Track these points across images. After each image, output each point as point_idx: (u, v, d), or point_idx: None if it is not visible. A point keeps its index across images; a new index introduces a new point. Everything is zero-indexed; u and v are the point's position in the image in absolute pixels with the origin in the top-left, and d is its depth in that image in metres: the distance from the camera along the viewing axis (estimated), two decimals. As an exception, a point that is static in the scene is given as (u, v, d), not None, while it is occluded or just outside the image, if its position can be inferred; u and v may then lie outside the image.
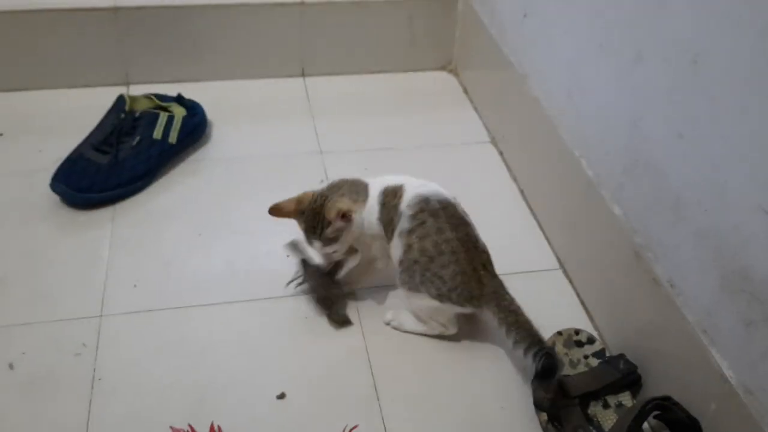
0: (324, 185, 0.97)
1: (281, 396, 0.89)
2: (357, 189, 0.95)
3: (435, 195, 0.92)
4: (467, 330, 0.98)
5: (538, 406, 0.88)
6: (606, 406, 0.87)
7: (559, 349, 0.93)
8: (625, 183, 0.93)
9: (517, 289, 0.90)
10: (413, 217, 0.90)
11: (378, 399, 0.90)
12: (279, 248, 1.05)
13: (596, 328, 1.00)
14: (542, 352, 0.85)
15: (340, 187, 0.95)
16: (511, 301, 0.90)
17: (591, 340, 0.94)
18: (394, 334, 0.98)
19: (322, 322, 0.99)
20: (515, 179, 1.26)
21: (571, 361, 0.92)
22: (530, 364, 0.86)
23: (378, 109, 1.44)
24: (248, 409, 0.87)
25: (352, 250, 0.99)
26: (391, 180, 0.96)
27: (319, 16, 1.43)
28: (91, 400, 0.87)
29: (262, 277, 1.04)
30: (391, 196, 0.93)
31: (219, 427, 0.84)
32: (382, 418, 0.87)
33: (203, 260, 1.06)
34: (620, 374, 0.88)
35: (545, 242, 1.14)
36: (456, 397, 0.91)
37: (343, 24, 1.45)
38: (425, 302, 0.92)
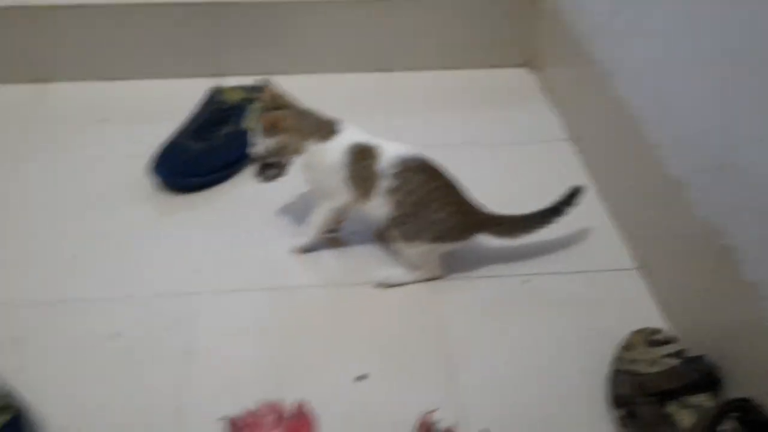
0: (310, 109, 1.04)
1: (362, 377, 0.93)
2: (324, 129, 1.01)
3: (414, 155, 1.00)
4: (544, 313, 1.00)
5: (615, 402, 0.89)
6: (684, 406, 0.87)
7: (638, 347, 0.93)
8: (712, 184, 0.92)
9: (591, 287, 0.92)
10: (397, 175, 0.98)
11: (456, 378, 0.93)
12: (358, 237, 1.09)
13: (674, 328, 1.00)
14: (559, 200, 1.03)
15: (308, 116, 1.02)
16: (500, 214, 1.03)
17: (670, 340, 0.94)
18: (471, 316, 1.01)
19: (401, 308, 1.02)
20: (592, 178, 1.26)
21: (649, 360, 0.92)
22: (555, 214, 1.03)
23: (455, 105, 1.46)
24: (330, 389, 0.91)
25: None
26: (364, 138, 1.02)
27: (402, 11, 1.46)
28: (183, 371, 0.93)
29: (341, 264, 1.08)
30: (365, 155, 0.99)
31: (304, 403, 0.89)
32: (460, 397, 0.90)
33: (289, 244, 1.11)
34: (700, 375, 0.87)
35: (621, 242, 1.14)
36: (533, 375, 0.94)
37: (426, 20, 1.48)
38: (422, 248, 1.00)
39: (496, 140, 1.36)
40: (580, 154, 1.32)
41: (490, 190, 1.20)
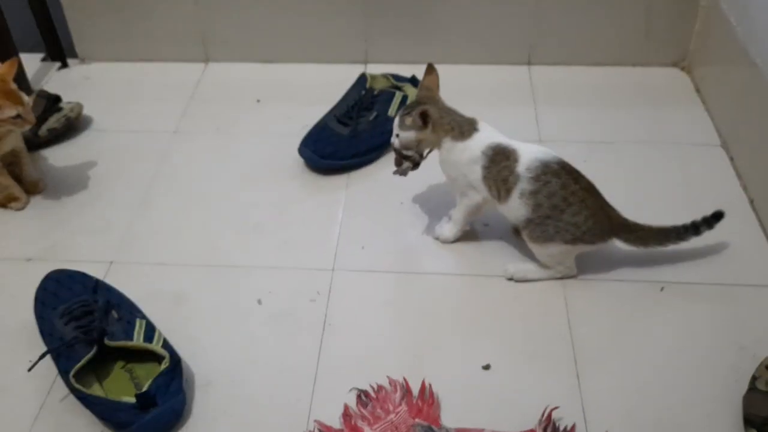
0: (453, 109, 1.06)
1: (486, 367, 0.95)
2: (463, 127, 1.03)
3: (552, 158, 1.00)
4: (679, 322, 0.98)
5: (749, 422, 0.86)
6: (827, 436, 0.83)
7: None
8: None
9: (734, 301, 0.88)
10: (536, 179, 0.98)
11: (580, 379, 0.93)
12: (493, 229, 1.11)
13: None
14: (698, 221, 1.01)
15: (450, 113, 1.04)
16: (635, 222, 1.02)
17: (817, 366, 0.89)
18: (601, 318, 1.01)
19: (531, 302, 1.03)
20: (745, 187, 1.20)
21: (791, 384, 0.88)
22: (692, 233, 1.01)
23: (603, 102, 1.43)
24: (455, 374, 0.94)
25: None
26: (502, 139, 1.03)
27: (553, 5, 1.45)
28: (321, 340, 0.99)
29: (474, 254, 1.11)
30: (503, 156, 1.01)
31: (430, 385, 0.93)
32: (582, 399, 0.90)
33: (424, 231, 1.15)
34: None
35: (772, 257, 1.09)
36: (661, 385, 0.92)
37: (576, 14, 1.46)
38: (558, 248, 1.01)
39: (642, 139, 1.32)
40: (733, 160, 1.26)
41: (633, 189, 1.19)
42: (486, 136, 1.03)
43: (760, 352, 0.92)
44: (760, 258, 1.09)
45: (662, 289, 1.04)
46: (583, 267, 1.06)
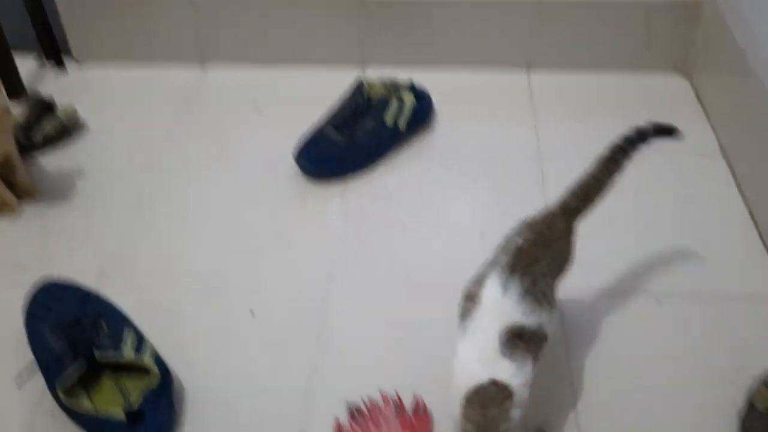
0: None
1: (481, 382, 0.94)
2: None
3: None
4: (678, 336, 0.97)
5: (746, 442, 0.85)
6: (824, 459, 0.82)
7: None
8: None
9: (738, 314, 0.87)
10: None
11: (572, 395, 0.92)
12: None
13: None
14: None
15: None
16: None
17: (817, 385, 0.88)
18: (592, 325, 1.00)
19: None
20: (744, 198, 1.19)
21: (788, 404, 0.87)
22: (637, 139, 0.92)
23: (603, 111, 1.40)
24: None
25: None
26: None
27: (554, 11, 1.43)
28: (315, 356, 0.98)
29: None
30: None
31: (424, 401, 0.92)
32: (577, 417, 0.90)
33: (429, 243, 1.14)
34: None
35: (773, 269, 1.08)
36: (658, 396, 0.91)
37: (577, 20, 1.44)
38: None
39: (643, 149, 1.30)
40: (733, 172, 1.24)
41: (630, 198, 1.17)
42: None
43: (757, 367, 0.90)
44: (759, 269, 1.08)
45: (659, 303, 1.03)
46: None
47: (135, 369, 0.91)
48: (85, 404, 0.89)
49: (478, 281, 0.84)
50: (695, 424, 0.89)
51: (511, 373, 0.77)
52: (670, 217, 1.14)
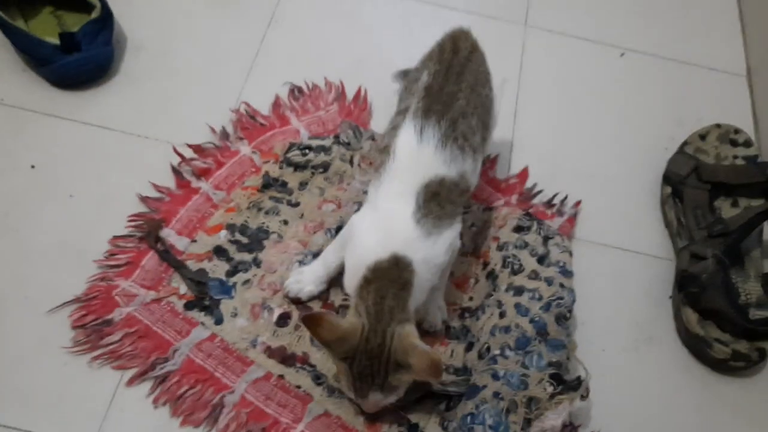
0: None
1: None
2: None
3: None
4: (626, 73, 0.97)
5: (667, 178, 0.87)
6: (734, 204, 0.85)
7: (711, 141, 0.89)
8: None
9: (691, 81, 0.85)
10: None
11: (515, 115, 0.92)
12: None
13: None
14: None
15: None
16: None
17: (748, 144, 0.89)
18: (550, 64, 0.98)
19: (487, 43, 0.99)
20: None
21: (718, 155, 0.88)
22: None
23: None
24: (393, 87, 0.90)
25: None
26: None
27: None
28: (265, 33, 0.95)
29: None
30: None
31: (366, 91, 0.91)
32: (513, 133, 0.90)
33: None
34: (764, 178, 0.84)
35: None
36: (596, 130, 0.92)
37: None
38: None
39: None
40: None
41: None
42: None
43: (697, 127, 0.91)
44: (726, 43, 1.06)
45: (622, 54, 1.01)
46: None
47: (77, 5, 0.87)
48: (21, 25, 0.86)
49: (390, 133, 0.70)
50: (628, 162, 0.92)
51: (420, 246, 0.65)
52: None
